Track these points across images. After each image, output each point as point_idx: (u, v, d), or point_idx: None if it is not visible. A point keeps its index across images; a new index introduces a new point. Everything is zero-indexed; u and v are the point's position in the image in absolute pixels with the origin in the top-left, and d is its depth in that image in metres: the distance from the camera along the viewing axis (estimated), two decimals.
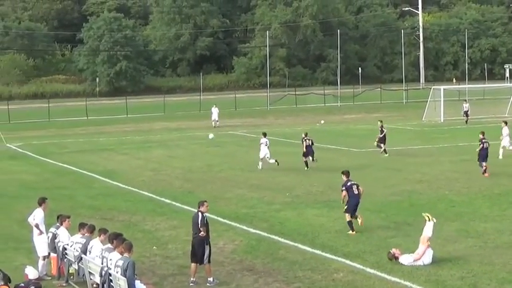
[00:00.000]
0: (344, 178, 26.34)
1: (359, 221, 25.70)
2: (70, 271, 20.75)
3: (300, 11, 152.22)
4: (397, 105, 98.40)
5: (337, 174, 37.51)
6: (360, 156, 46.57)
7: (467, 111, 70.31)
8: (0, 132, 61.69)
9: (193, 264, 20.37)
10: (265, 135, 43.09)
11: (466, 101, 76.37)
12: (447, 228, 25.53)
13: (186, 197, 33.16)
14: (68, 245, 20.58)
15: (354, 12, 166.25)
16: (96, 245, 19.56)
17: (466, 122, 68.66)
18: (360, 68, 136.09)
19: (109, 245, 18.76)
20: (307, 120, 77.92)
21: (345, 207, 25.89)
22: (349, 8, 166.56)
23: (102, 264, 18.43)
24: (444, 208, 29.01)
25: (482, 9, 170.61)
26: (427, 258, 21.45)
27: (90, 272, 19.22)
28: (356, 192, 25.90)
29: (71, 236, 20.86)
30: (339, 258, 22.29)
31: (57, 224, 21.47)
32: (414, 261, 21.39)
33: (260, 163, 41.87)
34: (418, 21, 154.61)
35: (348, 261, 21.93)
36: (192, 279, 20.35)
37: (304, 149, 41.62)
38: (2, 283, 17.34)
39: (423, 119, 72.93)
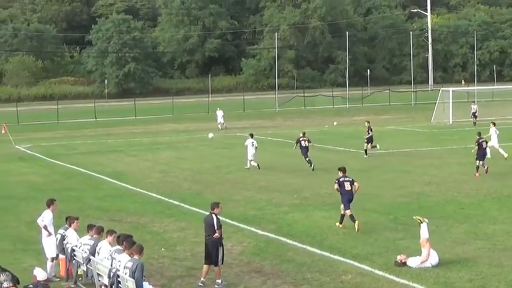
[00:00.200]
0: (340, 174, 26.94)
1: (356, 226, 25.86)
2: (78, 272, 20.77)
3: (309, 12, 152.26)
4: (405, 107, 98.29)
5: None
6: (368, 158, 46.47)
7: (476, 112, 70.18)
8: (9, 134, 61.80)
9: (205, 266, 20.38)
10: (252, 136, 43.72)
11: (474, 102, 76.23)
12: (456, 230, 25.47)
13: (195, 199, 33.16)
14: (76, 246, 20.60)
15: (362, 13, 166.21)
16: (105, 246, 19.56)
17: (475, 123, 68.51)
18: (368, 70, 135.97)
19: (118, 247, 18.76)
20: (315, 122, 77.86)
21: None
22: (357, 10, 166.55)
23: (110, 265, 18.43)
24: (453, 210, 28.95)
25: (491, 11, 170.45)
26: (434, 259, 21.40)
27: (98, 274, 19.22)
28: (348, 188, 26.45)
29: (80, 237, 20.87)
30: (348, 260, 22.24)
31: (66, 226, 21.48)
32: (421, 263, 21.34)
33: (248, 163, 42.57)
34: (427, 22, 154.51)
35: (356, 263, 21.89)
36: (202, 279, 20.37)
37: (300, 149, 42.36)
38: (11, 284, 17.35)
39: (432, 120, 72.79)
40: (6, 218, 30.58)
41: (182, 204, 32.07)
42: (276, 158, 47.05)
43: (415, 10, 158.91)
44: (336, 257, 22.68)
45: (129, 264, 17.38)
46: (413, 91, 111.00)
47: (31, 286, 18.27)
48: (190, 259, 22.91)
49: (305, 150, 42.22)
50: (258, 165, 42.13)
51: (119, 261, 17.99)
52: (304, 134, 43.36)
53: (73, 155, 53.41)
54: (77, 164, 47.44)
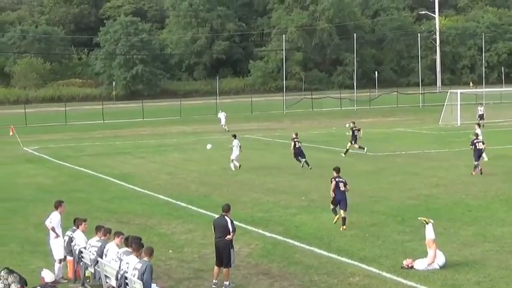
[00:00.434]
0: (334, 174, 27.54)
1: (335, 218, 26.90)
2: (86, 274, 20.79)
3: (317, 14, 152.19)
4: (413, 109, 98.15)
5: (354, 179, 37.53)
6: (376, 160, 46.45)
7: (483, 114, 70.11)
8: (17, 136, 61.91)
9: (216, 268, 20.41)
10: (235, 136, 44.42)
11: (481, 104, 76.10)
12: (464, 233, 25.42)
13: (202, 201, 33.17)
14: (84, 248, 20.61)
15: (370, 15, 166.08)
16: (112, 248, 19.58)
17: (482, 125, 68.39)
18: (376, 72, 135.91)
19: (126, 248, 18.77)
20: (323, 124, 77.85)
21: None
22: (365, 12, 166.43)
23: (118, 267, 18.44)
24: (461, 212, 28.90)
25: (499, 13, 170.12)
26: (441, 259, 21.36)
27: (106, 275, 19.24)
28: (342, 189, 27.00)
29: (88, 239, 20.89)
30: (355, 262, 22.22)
31: (74, 227, 21.50)
32: (428, 265, 21.29)
33: (232, 164, 43.15)
34: (435, 24, 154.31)
35: (364, 265, 21.86)
36: (214, 281, 20.43)
37: (293, 150, 43.27)
38: (19, 286, 17.39)
39: (440, 122, 72.68)
40: (14, 220, 30.64)
41: (190, 206, 32.08)
42: (284, 159, 47.00)
43: (423, 12, 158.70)
44: (343, 259, 22.66)
45: (139, 266, 17.39)
46: (421, 93, 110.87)
47: None
48: (198, 261, 22.92)
49: (298, 150, 43.15)
50: (239, 165, 42.99)
51: (127, 263, 18.00)
52: (296, 134, 44.42)
53: (81, 156, 53.48)
54: (85, 165, 47.51)
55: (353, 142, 48.66)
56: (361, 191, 34.51)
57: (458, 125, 70.74)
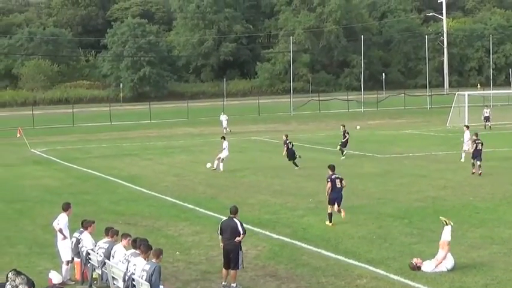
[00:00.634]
0: (329, 172, 28.05)
1: (342, 215, 27.38)
2: (93, 276, 20.80)
3: (324, 16, 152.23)
4: (421, 111, 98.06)
5: (361, 181, 37.59)
6: (384, 162, 46.40)
7: (488, 116, 70.08)
8: (24, 138, 62.01)
9: (224, 270, 20.42)
10: (224, 138, 45.67)
11: (487, 106, 76.01)
12: (471, 235, 25.37)
13: (209, 203, 33.16)
14: (92, 250, 20.63)
15: (377, 17, 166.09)
16: (120, 250, 19.58)
17: (489, 127, 68.41)
18: (383, 74, 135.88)
19: (134, 250, 18.77)
20: (330, 126, 77.74)
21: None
22: (373, 14, 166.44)
23: (125, 269, 18.45)
24: (468, 214, 28.83)
25: (507, 14, 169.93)
26: (450, 263, 21.30)
27: (113, 277, 19.24)
28: (338, 186, 27.64)
29: (95, 240, 20.89)
30: (362, 264, 22.18)
31: (81, 229, 21.51)
32: (436, 266, 21.24)
33: (221, 164, 43.92)
34: (442, 26, 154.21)
35: (371, 268, 21.82)
36: (223, 283, 20.44)
37: (285, 151, 43.99)
38: (27, 287, 17.40)
39: (447, 124, 72.57)
40: (21, 222, 30.68)
41: (197, 208, 32.07)
42: (291, 161, 46.98)
43: (431, 14, 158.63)
44: (350, 261, 22.62)
45: (147, 267, 17.39)
46: (429, 95, 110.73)
47: None
48: (205, 263, 22.92)
49: (291, 152, 43.89)
50: (216, 168, 43.90)
51: (135, 264, 18.01)
52: (287, 136, 45.39)
53: (88, 158, 53.54)
54: (92, 167, 47.55)
55: (341, 144, 49.02)
56: (369, 193, 34.51)
57: None
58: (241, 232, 20.11)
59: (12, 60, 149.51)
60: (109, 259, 19.61)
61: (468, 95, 77.03)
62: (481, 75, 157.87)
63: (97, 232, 21.40)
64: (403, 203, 31.74)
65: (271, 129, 76.15)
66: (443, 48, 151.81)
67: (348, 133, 49.11)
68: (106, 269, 19.67)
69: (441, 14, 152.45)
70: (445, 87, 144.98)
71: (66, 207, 22.19)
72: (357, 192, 34.38)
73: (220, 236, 20.51)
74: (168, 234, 27.24)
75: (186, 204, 33.13)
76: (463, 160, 44.09)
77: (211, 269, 22.03)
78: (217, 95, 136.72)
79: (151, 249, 17.99)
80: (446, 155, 48.94)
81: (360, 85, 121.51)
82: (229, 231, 20.17)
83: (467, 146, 44.12)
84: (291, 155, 43.88)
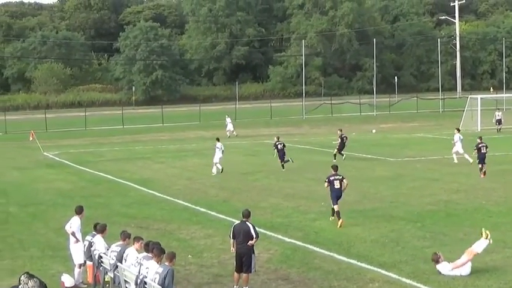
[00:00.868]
0: (332, 171, 28.83)
1: (339, 223, 27.71)
2: (106, 279, 20.82)
3: (336, 20, 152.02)
4: (433, 115, 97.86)
5: (373, 184, 37.57)
6: (396, 165, 46.34)
7: (500, 119, 69.98)
8: (37, 141, 62.22)
9: (236, 273, 20.42)
10: (218, 140, 46.03)
11: (498, 109, 75.85)
12: None
13: (221, 206, 33.18)
14: (104, 253, 20.65)
15: (390, 21, 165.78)
16: (132, 253, 19.59)
17: (499, 130, 68.30)
18: (396, 77, 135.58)
19: (146, 253, 18.78)
20: (342, 129, 77.59)
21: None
22: (385, 17, 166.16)
23: (138, 272, 18.46)
24: (481, 218, 28.73)
25: None
26: (466, 270, 21.16)
27: (125, 280, 19.26)
28: (337, 186, 28.33)
29: (107, 244, 20.91)
30: (375, 268, 22.15)
31: (93, 232, 21.55)
32: (452, 269, 21.15)
33: (214, 168, 44.42)
34: (455, 30, 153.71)
35: (383, 271, 21.79)
36: (235, 287, 20.47)
37: (277, 154, 45.33)
38: None
39: (460, 128, 72.26)
40: (34, 225, 30.78)
41: (209, 211, 32.09)
42: (303, 165, 47.01)
43: (443, 17, 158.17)
44: (363, 264, 22.59)
45: (160, 270, 17.38)
46: (441, 98, 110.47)
47: None
48: (217, 266, 22.93)
49: (281, 153, 45.13)
50: (222, 168, 44.42)
51: (147, 267, 18.01)
52: (278, 138, 46.53)
53: (100, 162, 53.67)
54: (105, 171, 47.67)
55: (337, 148, 49.59)
56: (381, 196, 34.48)
57: (479, 130, 70.35)
58: (254, 236, 20.11)
59: (25, 64, 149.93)
60: (121, 262, 19.63)
61: (481, 98, 76.85)
62: (493, 79, 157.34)
63: (109, 235, 21.44)
64: (415, 206, 31.68)
65: (284, 132, 76.00)
66: (456, 52, 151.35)
67: (346, 137, 50.16)
68: (118, 272, 19.68)
69: (454, 17, 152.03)
70: (458, 91, 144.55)
71: (79, 211, 22.25)
72: (369, 196, 34.37)
73: (232, 240, 20.52)
74: (180, 237, 27.26)
75: (198, 208, 33.16)
76: (456, 161, 45.38)
77: (223, 272, 22.03)
78: (229, 98, 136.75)
79: (164, 252, 18.00)
80: (459, 159, 48.79)
81: (372, 88, 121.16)
82: (242, 235, 20.17)
83: (457, 149, 45.64)
84: (282, 156, 45.10)
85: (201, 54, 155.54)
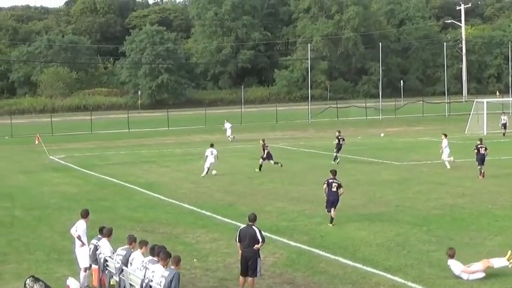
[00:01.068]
0: (330, 176, 29.37)
1: (330, 224, 28.71)
2: (111, 283, 20.82)
3: (342, 23, 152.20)
4: (439, 118, 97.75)
5: (378, 188, 37.56)
6: (402, 169, 46.28)
7: (506, 123, 69.93)
8: (43, 144, 62.28)
9: (241, 277, 20.41)
10: (212, 145, 46.44)
11: (504, 113, 75.74)
12: (490, 243, 25.24)
13: (227, 210, 33.15)
14: (109, 257, 20.66)
15: (395, 24, 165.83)
16: (137, 256, 19.59)
17: (504, 134, 68.19)
18: (401, 81, 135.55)
19: (152, 257, 18.78)
20: (347, 133, 77.43)
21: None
22: (391, 21, 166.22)
23: (143, 276, 18.45)
24: (487, 222, 28.69)
25: None
26: (475, 277, 21.05)
27: (131, 284, 19.26)
28: (334, 190, 28.82)
29: (113, 248, 20.91)
30: (380, 272, 22.11)
31: (99, 236, 21.56)
32: (461, 272, 21.07)
33: (205, 171, 45.02)
34: (461, 33, 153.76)
35: (389, 275, 21.75)
36: None
37: (265, 155, 47.17)
38: None
39: (466, 132, 72.30)
40: (40, 228, 30.78)
41: (214, 215, 32.07)
42: (308, 169, 46.98)
43: (449, 21, 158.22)
44: (368, 268, 22.56)
45: (166, 274, 17.37)
46: (447, 102, 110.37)
47: None
48: (223, 270, 22.91)
49: (269, 155, 47.18)
50: (215, 172, 45.18)
51: (153, 271, 18.00)
52: (264, 140, 48.83)
53: (106, 165, 53.69)
54: (110, 174, 47.68)
55: (336, 151, 50.14)
56: (387, 200, 34.43)
57: (485, 134, 70.26)
58: (260, 240, 20.09)
59: (31, 68, 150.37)
60: (127, 266, 19.63)
61: (487, 102, 76.72)
62: (499, 83, 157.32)
63: (114, 239, 21.44)
64: (421, 210, 31.63)
65: (289, 136, 76.12)
66: (462, 55, 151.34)
67: (343, 139, 50.91)
68: (124, 276, 19.69)
69: (460, 21, 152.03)
70: (464, 95, 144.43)
71: (84, 214, 22.25)
72: (374, 200, 34.32)
73: (238, 244, 20.50)
74: (186, 241, 27.25)
75: (203, 211, 33.14)
76: (448, 167, 45.30)
77: (228, 276, 22.01)
78: (235, 102, 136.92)
79: (171, 256, 17.99)
80: (465, 163, 48.69)
81: (378, 92, 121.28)
82: (248, 239, 20.15)
83: (445, 155, 45.98)
84: (270, 156, 47.00)
85: (206, 58, 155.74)
